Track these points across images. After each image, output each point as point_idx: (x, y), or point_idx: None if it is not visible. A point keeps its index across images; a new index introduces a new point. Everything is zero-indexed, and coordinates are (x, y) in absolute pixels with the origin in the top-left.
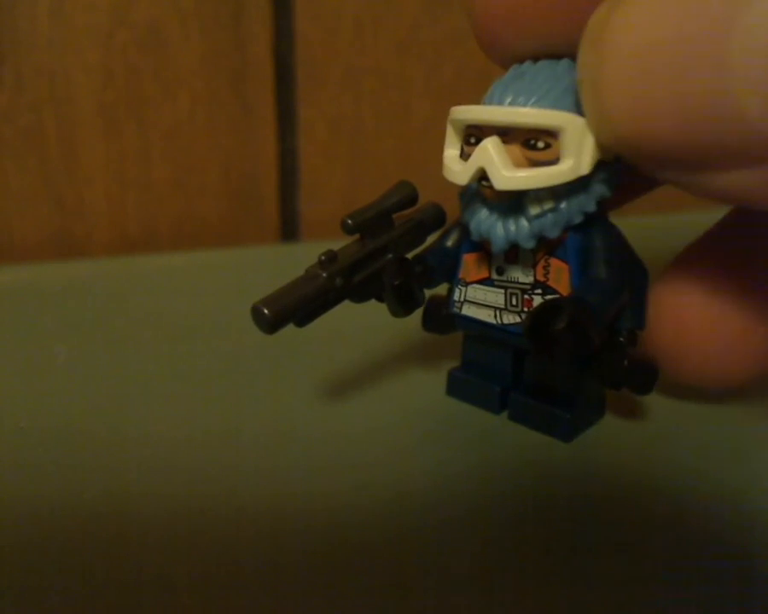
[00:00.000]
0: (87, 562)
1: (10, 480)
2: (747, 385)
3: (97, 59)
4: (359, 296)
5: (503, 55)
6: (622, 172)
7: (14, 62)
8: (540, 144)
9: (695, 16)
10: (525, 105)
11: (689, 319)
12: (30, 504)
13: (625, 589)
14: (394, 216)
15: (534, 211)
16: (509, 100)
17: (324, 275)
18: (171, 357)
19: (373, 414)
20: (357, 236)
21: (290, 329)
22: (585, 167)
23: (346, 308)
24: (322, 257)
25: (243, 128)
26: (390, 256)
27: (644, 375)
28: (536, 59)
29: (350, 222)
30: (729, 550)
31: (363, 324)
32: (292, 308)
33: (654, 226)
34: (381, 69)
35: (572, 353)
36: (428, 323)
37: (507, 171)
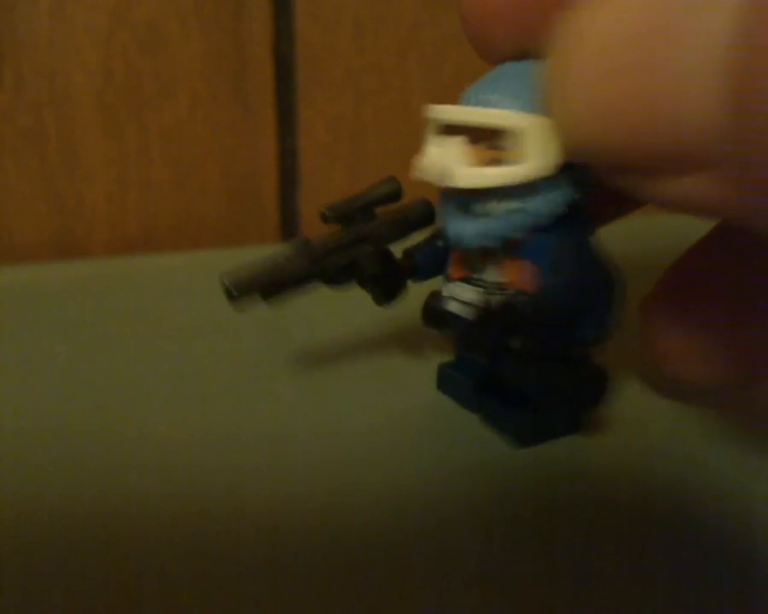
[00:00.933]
0: (87, 562)
1: (10, 480)
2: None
3: (97, 59)
4: (335, 282)
5: (494, 54)
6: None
7: (14, 62)
8: (503, 144)
9: (657, 15)
10: (495, 105)
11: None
12: (30, 504)
13: (625, 590)
14: (379, 210)
15: (499, 210)
16: (478, 99)
17: (293, 256)
18: (171, 357)
19: (372, 412)
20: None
21: (289, 329)
22: (546, 169)
23: (344, 308)
24: (295, 242)
25: (243, 128)
26: (367, 247)
27: (592, 387)
28: (521, 58)
29: (327, 212)
30: (729, 551)
31: (361, 323)
32: (255, 283)
33: (651, 226)
34: (381, 69)
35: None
36: (426, 318)
37: (464, 169)
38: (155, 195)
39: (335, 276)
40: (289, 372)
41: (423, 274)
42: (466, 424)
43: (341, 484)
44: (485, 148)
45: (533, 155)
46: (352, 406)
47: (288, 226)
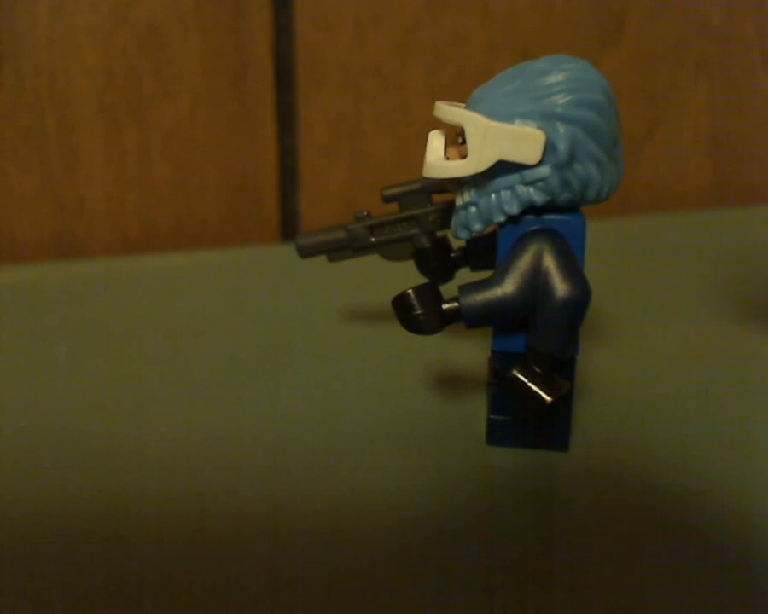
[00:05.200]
0: (87, 562)
1: (10, 480)
2: None
3: (97, 59)
4: (386, 253)
5: None
6: None
7: (14, 62)
8: (461, 140)
9: None
10: (476, 102)
11: None
12: (30, 504)
13: (624, 593)
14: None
15: (459, 202)
16: (472, 96)
17: (354, 226)
18: (171, 357)
19: (373, 416)
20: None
21: (289, 329)
22: (482, 165)
23: (346, 311)
24: (357, 214)
25: (243, 128)
26: (418, 231)
27: (530, 403)
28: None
29: (386, 192)
30: (730, 552)
31: (363, 325)
32: (319, 247)
33: (652, 226)
34: (381, 69)
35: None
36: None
37: (428, 160)
38: (155, 195)
39: (391, 253)
40: (289, 372)
41: (473, 262)
42: (469, 428)
43: (340, 487)
44: (460, 144)
45: (473, 151)
46: (353, 409)
47: (288, 226)
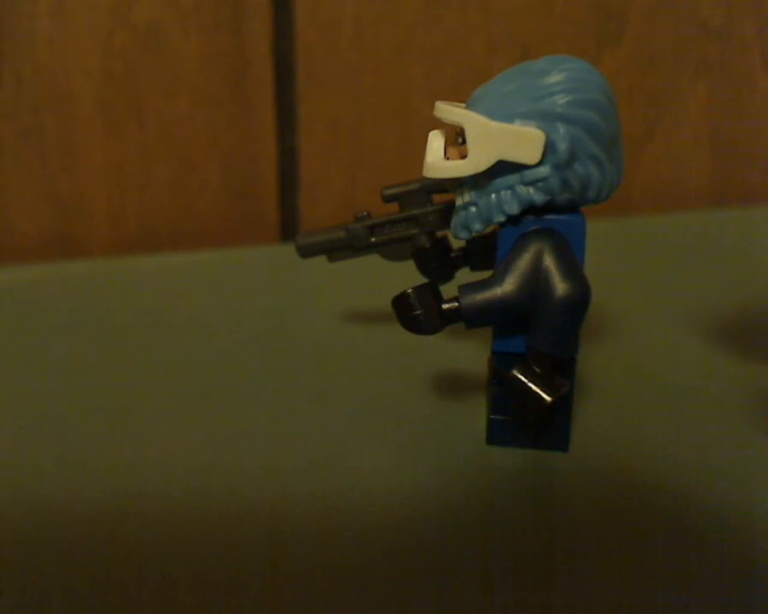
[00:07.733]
0: (87, 562)
1: (10, 480)
2: None
3: (97, 59)
4: (386, 253)
5: None
6: None
7: (14, 62)
8: (461, 140)
9: None
10: (476, 102)
11: None
12: (30, 504)
13: (625, 592)
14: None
15: (459, 202)
16: (472, 96)
17: (354, 227)
18: (171, 357)
19: (373, 416)
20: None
21: (289, 329)
22: (482, 165)
23: (346, 311)
24: (357, 214)
25: (243, 128)
26: (418, 231)
27: (530, 403)
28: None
29: (386, 192)
30: (730, 552)
31: (363, 326)
32: (319, 247)
33: (652, 226)
34: (381, 69)
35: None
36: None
37: (428, 160)
38: (155, 195)
39: (392, 253)
40: (289, 372)
41: (473, 262)
42: (469, 428)
43: (340, 486)
44: (460, 144)
45: (474, 151)
46: (354, 408)
47: (288, 226)
